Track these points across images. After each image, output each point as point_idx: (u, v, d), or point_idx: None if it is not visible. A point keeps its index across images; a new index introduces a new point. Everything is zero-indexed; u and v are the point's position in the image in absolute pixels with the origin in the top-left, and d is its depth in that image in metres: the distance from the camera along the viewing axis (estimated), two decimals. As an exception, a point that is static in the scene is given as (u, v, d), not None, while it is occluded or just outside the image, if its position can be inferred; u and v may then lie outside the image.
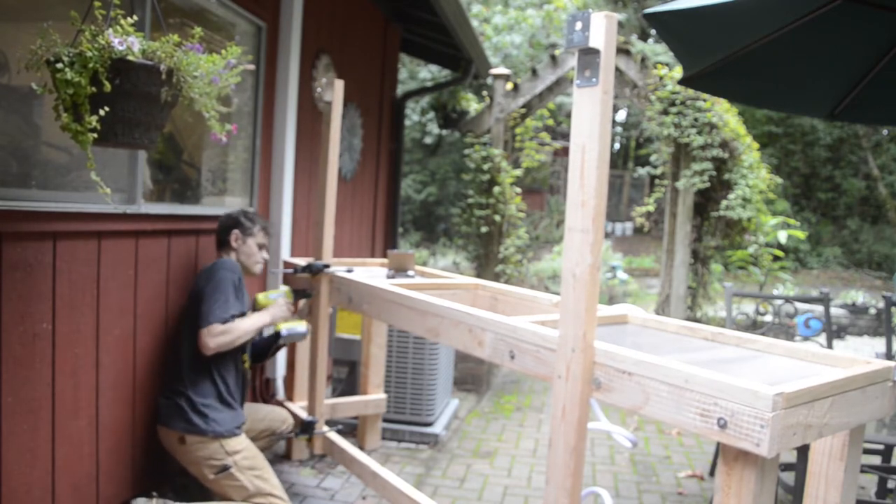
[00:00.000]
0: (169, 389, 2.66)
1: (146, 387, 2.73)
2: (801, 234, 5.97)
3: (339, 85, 3.15)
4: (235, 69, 1.99)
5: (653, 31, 12.20)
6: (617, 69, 5.76)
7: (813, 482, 1.63)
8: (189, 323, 2.67)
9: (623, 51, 5.75)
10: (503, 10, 10.02)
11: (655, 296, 8.33)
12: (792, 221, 5.96)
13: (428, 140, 12.53)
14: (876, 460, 3.23)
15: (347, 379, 4.05)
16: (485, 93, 8.78)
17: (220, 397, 2.64)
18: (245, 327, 2.66)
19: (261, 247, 2.95)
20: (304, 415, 3.26)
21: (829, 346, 3.28)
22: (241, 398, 2.83)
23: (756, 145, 5.63)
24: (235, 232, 2.87)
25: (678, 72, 5.20)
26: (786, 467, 3.10)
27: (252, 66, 3.55)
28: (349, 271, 3.10)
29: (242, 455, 2.57)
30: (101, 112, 1.68)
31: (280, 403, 3.51)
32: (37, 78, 1.74)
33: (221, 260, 2.77)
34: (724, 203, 5.40)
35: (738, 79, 3.06)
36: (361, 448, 3.75)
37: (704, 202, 5.60)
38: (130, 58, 1.71)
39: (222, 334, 2.56)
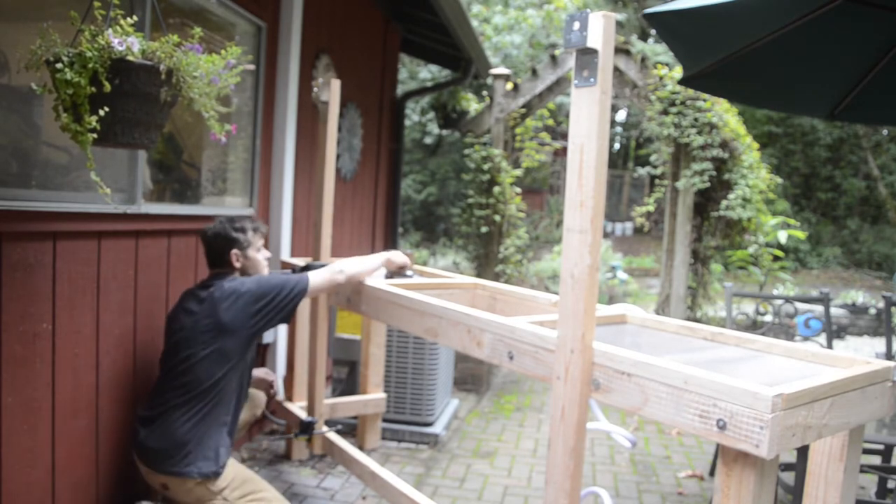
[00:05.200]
0: (156, 426, 2.38)
1: (146, 387, 2.73)
2: (801, 234, 5.97)
3: (336, 84, 3.15)
4: (235, 69, 1.99)
5: (653, 31, 12.19)
6: (617, 69, 5.75)
7: (813, 482, 1.63)
8: (195, 350, 2.41)
9: (623, 51, 5.75)
10: (503, 10, 10.02)
11: (655, 296, 8.33)
12: (792, 221, 5.96)
13: (428, 140, 12.53)
14: (876, 460, 3.23)
15: (347, 379, 4.05)
16: (485, 93, 8.78)
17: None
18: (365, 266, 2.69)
19: (261, 249, 2.75)
20: (303, 415, 3.27)
21: (829, 346, 3.28)
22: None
23: (756, 145, 5.63)
24: (234, 252, 2.62)
25: (678, 72, 5.20)
26: (786, 467, 3.11)
27: (252, 66, 3.55)
28: (349, 271, 3.10)
29: (230, 488, 2.44)
30: (101, 112, 1.68)
31: (280, 403, 3.51)
32: (37, 78, 1.74)
33: (232, 281, 2.49)
34: (724, 203, 5.40)
35: (738, 79, 3.06)
36: (361, 448, 3.75)
37: (704, 202, 5.60)
38: (130, 58, 1.71)
39: (339, 273, 2.59)
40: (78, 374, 2.36)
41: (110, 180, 2.43)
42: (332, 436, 3.16)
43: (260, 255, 2.72)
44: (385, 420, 3.94)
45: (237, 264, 2.64)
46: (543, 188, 15.39)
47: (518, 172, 6.14)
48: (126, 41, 1.70)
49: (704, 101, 5.36)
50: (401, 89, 7.07)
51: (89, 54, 1.65)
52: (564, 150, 2.51)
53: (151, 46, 1.77)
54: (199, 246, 3.13)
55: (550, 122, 6.71)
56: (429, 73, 9.45)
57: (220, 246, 2.62)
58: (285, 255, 3.84)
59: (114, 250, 2.51)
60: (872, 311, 8.57)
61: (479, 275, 6.08)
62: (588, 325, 1.59)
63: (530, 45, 10.15)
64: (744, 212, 5.34)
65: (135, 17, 1.80)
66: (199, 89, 1.88)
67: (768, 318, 6.24)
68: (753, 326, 6.19)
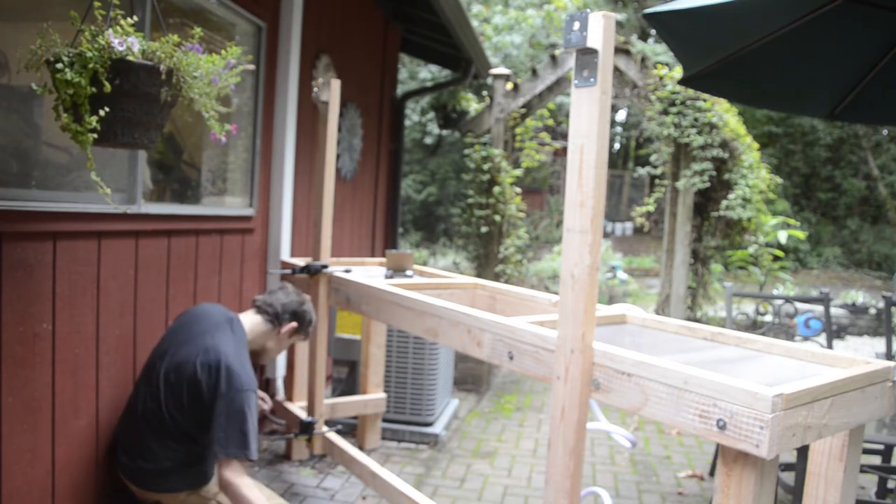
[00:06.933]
0: (136, 451, 2.36)
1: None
2: (801, 234, 5.97)
3: (336, 84, 3.15)
4: (235, 69, 1.99)
5: (653, 31, 12.19)
6: (617, 69, 5.75)
7: (813, 482, 1.63)
8: (182, 385, 2.30)
9: (623, 51, 5.75)
10: (503, 10, 10.02)
11: (655, 296, 8.33)
12: (792, 221, 5.97)
13: (428, 140, 12.53)
14: (876, 460, 3.23)
15: (347, 379, 4.05)
16: (485, 93, 8.78)
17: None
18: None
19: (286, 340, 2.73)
20: (303, 415, 3.27)
21: (829, 346, 3.28)
22: None
23: (756, 145, 5.63)
24: (294, 326, 2.65)
25: (678, 72, 5.20)
26: (786, 467, 3.11)
27: (252, 66, 3.55)
28: (347, 271, 3.10)
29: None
30: (101, 112, 1.68)
31: (280, 403, 3.51)
32: (37, 78, 1.74)
33: (245, 378, 2.28)
34: (724, 203, 5.40)
35: (738, 79, 3.06)
36: (361, 448, 3.75)
37: (704, 202, 5.61)
38: (130, 58, 1.71)
39: (235, 486, 2.20)
40: (78, 374, 2.36)
41: (110, 180, 2.43)
42: (332, 436, 3.16)
43: (286, 348, 2.75)
44: (385, 420, 3.94)
45: (282, 332, 2.64)
46: (543, 188, 15.41)
47: (518, 172, 6.14)
48: (126, 41, 1.70)
49: (704, 101, 5.36)
50: (401, 89, 7.07)
51: (89, 54, 1.65)
52: (564, 150, 2.51)
53: (151, 46, 1.77)
54: (200, 246, 3.14)
55: (550, 122, 6.71)
56: (429, 73, 9.45)
57: (297, 314, 2.66)
58: (285, 256, 3.84)
59: (114, 250, 2.51)
60: (872, 311, 8.57)
61: (479, 275, 6.08)
62: (588, 325, 1.59)
63: (530, 45, 10.15)
64: (744, 212, 5.34)
65: (135, 18, 1.79)
66: (200, 89, 1.88)
67: (768, 318, 6.25)
68: (753, 326, 6.19)
